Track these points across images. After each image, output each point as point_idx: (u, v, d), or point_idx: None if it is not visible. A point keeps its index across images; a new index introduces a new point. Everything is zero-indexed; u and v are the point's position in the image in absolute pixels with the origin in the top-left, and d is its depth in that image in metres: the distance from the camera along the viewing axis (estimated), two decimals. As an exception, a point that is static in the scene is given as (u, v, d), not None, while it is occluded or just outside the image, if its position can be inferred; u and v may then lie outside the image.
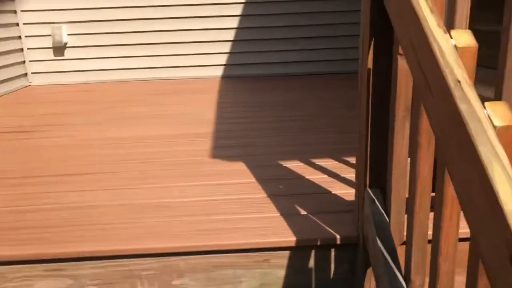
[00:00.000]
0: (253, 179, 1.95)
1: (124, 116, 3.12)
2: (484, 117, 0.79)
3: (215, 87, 4.09)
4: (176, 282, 1.52)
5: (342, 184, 1.86)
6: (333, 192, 1.80)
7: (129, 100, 3.65)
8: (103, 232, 1.55)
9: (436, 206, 1.02)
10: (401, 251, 1.32)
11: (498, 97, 1.40)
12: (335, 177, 1.94)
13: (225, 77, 4.54)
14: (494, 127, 0.79)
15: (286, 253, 1.50)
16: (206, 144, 2.46)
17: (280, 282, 1.53)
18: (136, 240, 1.50)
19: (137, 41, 4.44)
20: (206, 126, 2.81)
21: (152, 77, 4.53)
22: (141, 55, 4.48)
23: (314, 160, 2.15)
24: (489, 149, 0.76)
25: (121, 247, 1.47)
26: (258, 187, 1.87)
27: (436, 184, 1.01)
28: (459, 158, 0.82)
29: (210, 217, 1.63)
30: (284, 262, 1.51)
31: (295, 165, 2.10)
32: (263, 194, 1.80)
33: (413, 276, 1.21)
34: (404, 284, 1.23)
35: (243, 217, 1.61)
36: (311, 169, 2.04)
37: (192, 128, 2.78)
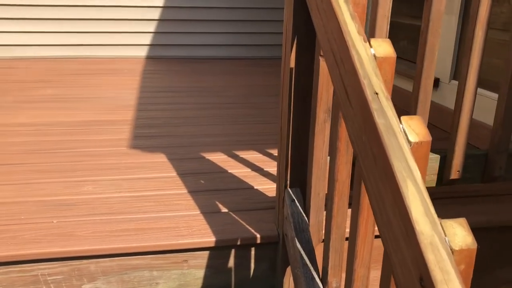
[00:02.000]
0: (173, 173, 1.88)
1: (35, 99, 2.88)
2: (400, 132, 0.79)
3: (138, 68, 3.91)
4: (87, 286, 1.42)
5: (265, 179, 1.84)
6: (255, 188, 1.77)
7: (41, 81, 3.38)
8: (2, 234, 1.41)
9: (353, 213, 1.02)
10: (320, 248, 1.33)
11: (415, 92, 1.43)
12: (258, 171, 1.92)
13: (149, 58, 4.35)
14: (409, 142, 0.78)
15: (205, 253, 1.46)
16: (125, 133, 2.33)
17: (199, 282, 1.49)
18: (40, 243, 1.38)
19: (52, 16, 4.11)
20: (126, 113, 2.67)
21: (68, 55, 4.23)
22: (55, 30, 4.16)
23: (237, 152, 2.11)
24: (404, 166, 0.75)
25: (23, 252, 1.35)
26: (178, 182, 1.80)
27: (353, 192, 1.01)
28: (374, 172, 0.81)
29: (124, 216, 1.54)
30: (203, 262, 1.47)
31: (218, 158, 2.05)
32: (182, 190, 1.73)
33: (330, 278, 1.22)
34: (321, 285, 1.23)
35: (159, 216, 1.54)
36: (234, 162, 2.00)
37: (111, 114, 2.62)
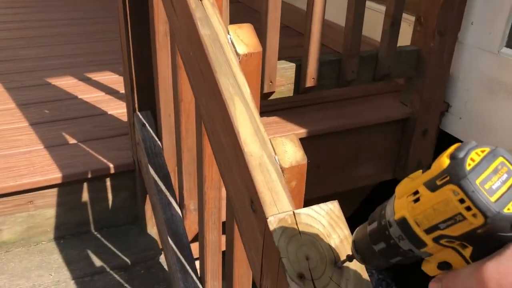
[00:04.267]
0: (11, 104, 1.64)
1: None
2: (226, 44, 0.70)
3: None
4: None
5: (120, 102, 1.69)
6: (109, 113, 1.62)
7: None
8: None
9: (197, 135, 0.95)
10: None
11: None
12: (113, 94, 1.76)
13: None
14: (238, 55, 0.71)
15: (53, 190, 1.32)
16: (-50, 61, 1.97)
17: (51, 222, 1.36)
18: None
19: None
20: (-48, 36, 2.24)
21: None
22: None
23: (89, 75, 1.90)
24: (232, 82, 0.68)
25: None
26: (17, 114, 1.58)
27: (195, 113, 0.93)
28: (204, 91, 0.73)
29: (-51, 160, 1.31)
30: (53, 200, 1.33)
31: (66, 83, 1.82)
32: (23, 123, 1.52)
33: (187, 201, 1.17)
34: (178, 210, 1.19)
35: (-6, 156, 1.34)
36: (85, 86, 1.80)
37: None
